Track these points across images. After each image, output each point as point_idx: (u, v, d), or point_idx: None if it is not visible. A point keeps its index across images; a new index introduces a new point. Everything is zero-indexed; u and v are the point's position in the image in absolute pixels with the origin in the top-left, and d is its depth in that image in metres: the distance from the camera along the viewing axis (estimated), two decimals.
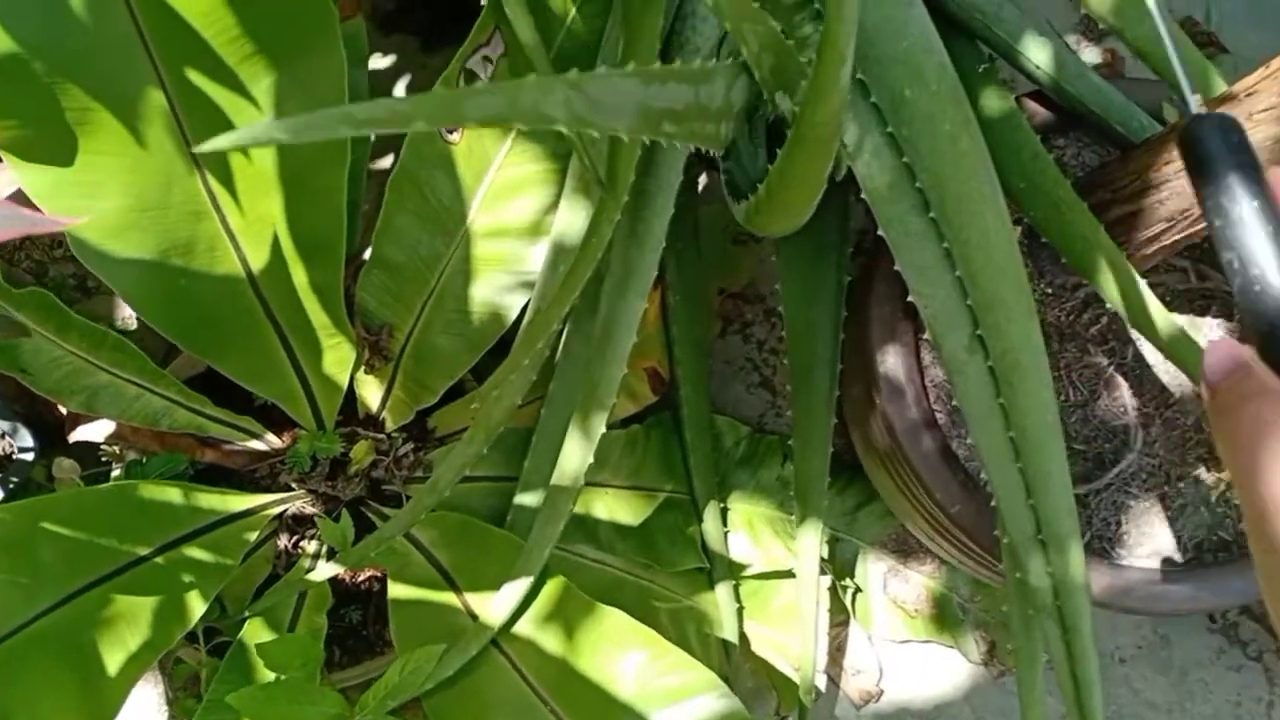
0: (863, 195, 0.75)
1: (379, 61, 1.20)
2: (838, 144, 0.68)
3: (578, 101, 0.55)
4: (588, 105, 0.56)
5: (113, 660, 0.80)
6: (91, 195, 0.76)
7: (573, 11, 0.83)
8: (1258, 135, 0.64)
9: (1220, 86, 0.72)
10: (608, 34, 0.83)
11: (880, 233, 0.75)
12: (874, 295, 0.86)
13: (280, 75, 0.75)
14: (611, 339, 0.81)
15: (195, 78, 0.74)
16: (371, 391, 0.99)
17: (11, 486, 0.96)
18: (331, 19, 0.74)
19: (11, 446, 1.00)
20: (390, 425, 1.01)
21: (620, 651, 0.82)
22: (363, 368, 0.95)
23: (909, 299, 0.74)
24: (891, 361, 0.85)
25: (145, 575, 0.85)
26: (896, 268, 0.75)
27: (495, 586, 0.89)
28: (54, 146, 0.74)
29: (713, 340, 1.18)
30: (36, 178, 0.74)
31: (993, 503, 0.73)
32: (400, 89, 1.19)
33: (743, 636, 1.06)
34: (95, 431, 0.98)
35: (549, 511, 0.84)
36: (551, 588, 0.87)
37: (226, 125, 0.77)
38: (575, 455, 0.83)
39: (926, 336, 0.86)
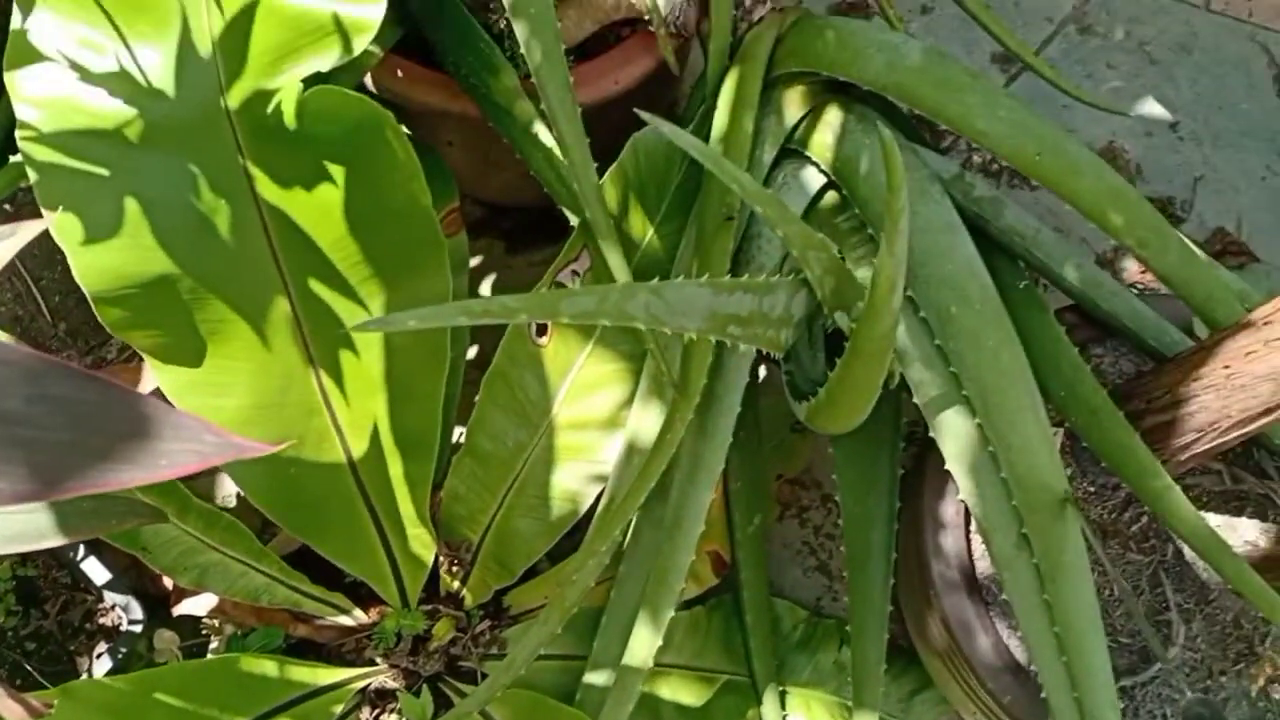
0: (914, 399, 0.83)
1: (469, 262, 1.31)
2: (890, 357, 0.76)
3: (655, 304, 0.65)
4: (664, 308, 0.66)
5: None
6: (219, 394, 0.86)
7: (650, 233, 0.93)
8: (1274, 361, 0.71)
9: (1238, 312, 0.79)
10: (681, 252, 0.93)
11: (931, 434, 0.82)
12: (926, 490, 0.92)
13: (394, 293, 0.86)
14: (681, 528, 0.88)
15: (320, 291, 0.85)
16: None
17: (120, 657, 1.03)
18: (441, 251, 0.85)
19: (121, 618, 1.07)
20: (469, 603, 1.07)
21: None
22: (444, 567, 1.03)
23: (960, 497, 0.81)
24: (945, 556, 0.91)
25: None
26: (947, 467, 0.81)
27: None
28: (188, 351, 0.84)
29: (771, 525, 1.24)
30: (172, 378, 0.84)
31: (1043, 694, 0.77)
32: (486, 287, 1.30)
33: None
34: (198, 605, 1.05)
35: (620, 693, 0.89)
36: None
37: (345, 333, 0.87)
38: (645, 638, 0.88)
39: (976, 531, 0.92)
